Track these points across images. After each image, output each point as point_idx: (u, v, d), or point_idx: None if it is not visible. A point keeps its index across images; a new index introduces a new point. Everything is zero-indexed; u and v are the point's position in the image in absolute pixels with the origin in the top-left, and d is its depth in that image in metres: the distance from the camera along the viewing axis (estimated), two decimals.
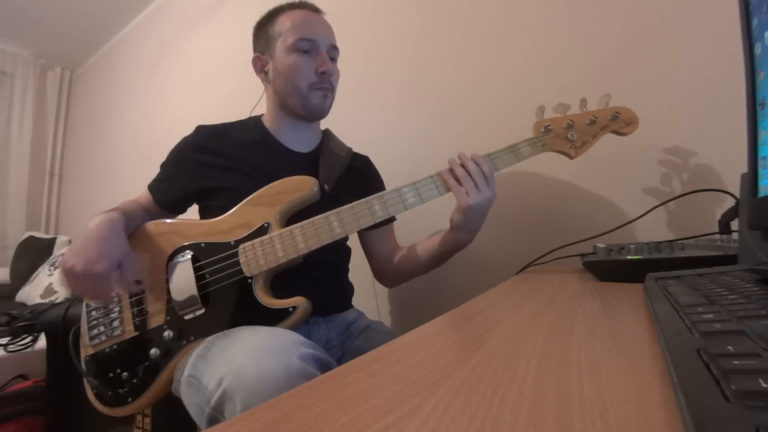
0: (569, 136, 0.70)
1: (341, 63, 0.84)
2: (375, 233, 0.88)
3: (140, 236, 0.71)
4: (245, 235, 0.67)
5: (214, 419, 0.48)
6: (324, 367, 0.50)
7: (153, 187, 0.81)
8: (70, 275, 0.61)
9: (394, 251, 0.88)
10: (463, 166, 0.68)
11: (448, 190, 0.68)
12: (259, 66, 0.81)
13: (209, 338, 0.60)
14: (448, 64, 1.09)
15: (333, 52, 0.80)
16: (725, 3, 0.68)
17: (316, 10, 0.80)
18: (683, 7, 0.74)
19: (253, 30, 0.84)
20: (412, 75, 1.17)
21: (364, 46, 1.26)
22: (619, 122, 0.69)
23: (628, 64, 0.80)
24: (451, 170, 0.68)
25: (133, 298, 0.68)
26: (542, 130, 0.70)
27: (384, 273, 0.89)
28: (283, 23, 0.77)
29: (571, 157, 0.70)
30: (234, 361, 0.49)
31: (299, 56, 0.76)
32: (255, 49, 0.83)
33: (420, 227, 1.07)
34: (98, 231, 0.64)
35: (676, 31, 0.75)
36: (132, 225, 0.72)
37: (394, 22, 1.22)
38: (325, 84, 0.78)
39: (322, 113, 0.81)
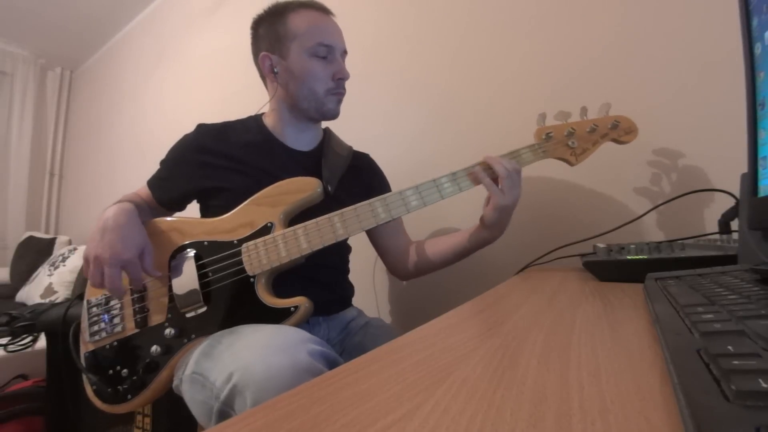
0: (570, 143, 0.70)
1: None
2: (387, 230, 0.88)
3: None
4: (248, 234, 0.67)
5: (224, 413, 0.48)
6: (331, 364, 0.50)
7: (153, 184, 0.81)
8: (97, 264, 0.62)
9: (409, 245, 0.88)
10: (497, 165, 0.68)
11: (476, 184, 0.68)
12: (268, 65, 0.78)
13: (212, 336, 0.60)
14: (448, 65, 1.09)
15: (344, 56, 0.81)
16: (725, 3, 0.68)
17: (326, 11, 0.80)
18: (684, 9, 0.74)
19: (253, 25, 0.81)
20: (413, 76, 1.17)
21: (365, 46, 1.26)
22: (619, 131, 0.69)
23: (629, 66, 0.80)
24: (488, 168, 0.68)
25: (135, 295, 0.68)
26: (544, 137, 0.71)
27: (400, 267, 0.89)
28: (298, 24, 0.76)
29: (571, 164, 0.71)
30: (242, 358, 0.49)
31: (317, 61, 0.76)
32: (259, 47, 0.80)
33: (421, 225, 1.07)
34: (117, 220, 0.65)
35: (675, 32, 0.75)
36: (141, 217, 0.72)
37: (396, 22, 1.22)
38: (341, 89, 0.79)
39: (335, 116, 0.82)
